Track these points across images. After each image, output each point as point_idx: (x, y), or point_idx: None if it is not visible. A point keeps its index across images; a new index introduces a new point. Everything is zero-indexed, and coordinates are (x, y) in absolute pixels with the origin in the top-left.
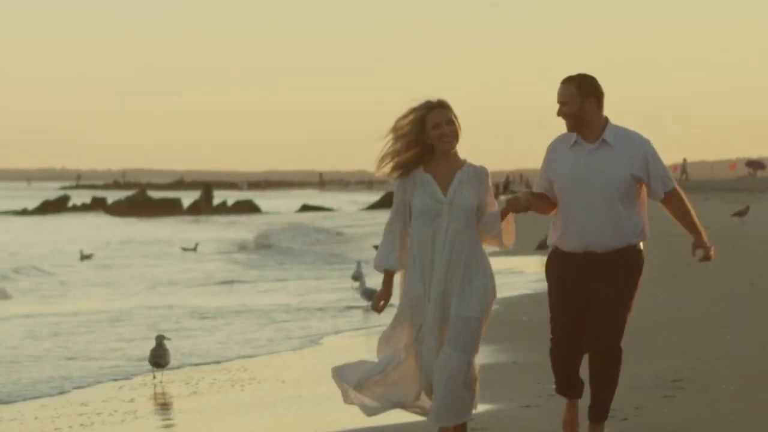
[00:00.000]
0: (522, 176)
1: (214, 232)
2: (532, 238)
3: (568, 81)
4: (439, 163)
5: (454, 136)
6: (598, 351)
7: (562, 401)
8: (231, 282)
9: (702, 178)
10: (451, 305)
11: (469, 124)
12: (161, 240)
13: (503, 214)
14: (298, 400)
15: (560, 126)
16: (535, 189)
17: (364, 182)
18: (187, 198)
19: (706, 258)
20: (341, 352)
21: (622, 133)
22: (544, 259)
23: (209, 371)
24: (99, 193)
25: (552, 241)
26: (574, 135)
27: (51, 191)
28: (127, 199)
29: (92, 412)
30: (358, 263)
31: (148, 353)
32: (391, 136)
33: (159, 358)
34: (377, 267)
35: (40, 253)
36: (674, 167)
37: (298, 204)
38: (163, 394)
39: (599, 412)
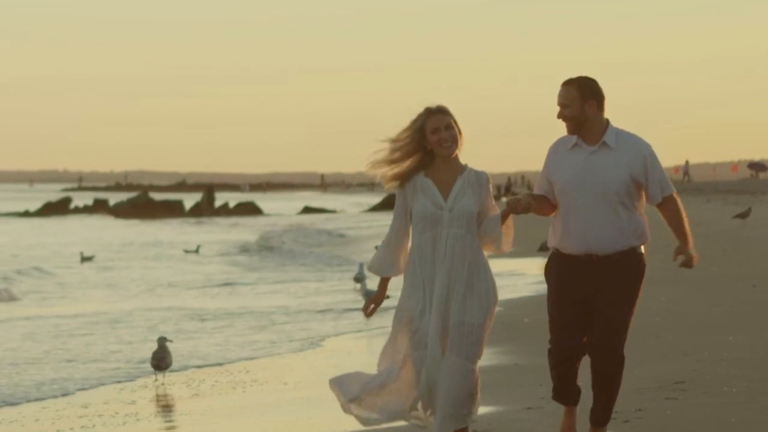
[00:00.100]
0: (524, 178)
1: (216, 234)
2: (534, 240)
3: (569, 83)
4: (439, 168)
5: (453, 141)
6: (601, 356)
7: (562, 407)
8: (233, 284)
9: (704, 180)
10: (452, 311)
11: (472, 126)
12: (163, 242)
13: (503, 217)
14: (301, 401)
15: (562, 128)
16: (536, 191)
17: (366, 184)
18: (189, 200)
19: (687, 265)
20: (343, 353)
21: (623, 135)
22: (546, 261)
23: (211, 373)
24: (101, 195)
25: (552, 243)
26: (575, 137)
27: (53, 193)
28: (129, 201)
29: (93, 414)
30: (361, 265)
31: (149, 355)
32: (389, 144)
33: (160, 361)
34: (371, 270)
35: (41, 255)
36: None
37: (300, 206)
38: (165, 396)
39: (601, 416)
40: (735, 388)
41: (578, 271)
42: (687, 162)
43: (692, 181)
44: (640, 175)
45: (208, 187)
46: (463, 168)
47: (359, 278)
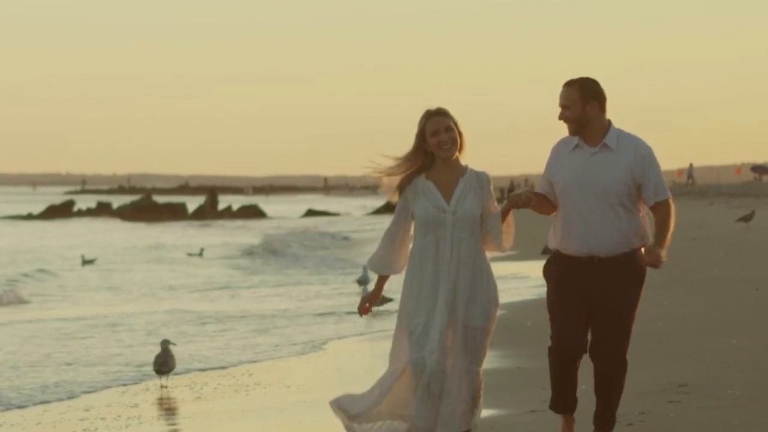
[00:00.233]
0: (527, 181)
1: (220, 237)
2: (537, 242)
3: (571, 84)
4: (440, 170)
5: (453, 143)
6: (604, 361)
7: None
8: (236, 287)
9: (707, 183)
10: (458, 314)
11: (475, 129)
12: (166, 245)
13: (504, 213)
14: (304, 405)
15: (565, 130)
16: (537, 191)
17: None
18: (192, 203)
19: (652, 264)
20: (346, 357)
21: (625, 137)
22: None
23: (213, 376)
24: (104, 198)
25: (553, 244)
26: (576, 138)
27: (56, 196)
28: (133, 203)
29: (96, 417)
30: (364, 268)
31: (150, 358)
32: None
33: (162, 365)
34: (371, 267)
35: (43, 257)
36: (679, 172)
37: (303, 209)
38: (168, 399)
39: (606, 420)
40: (738, 391)
41: (579, 271)
42: (691, 165)
43: (696, 184)
44: (639, 176)
45: (211, 190)
46: (464, 169)
47: (362, 281)
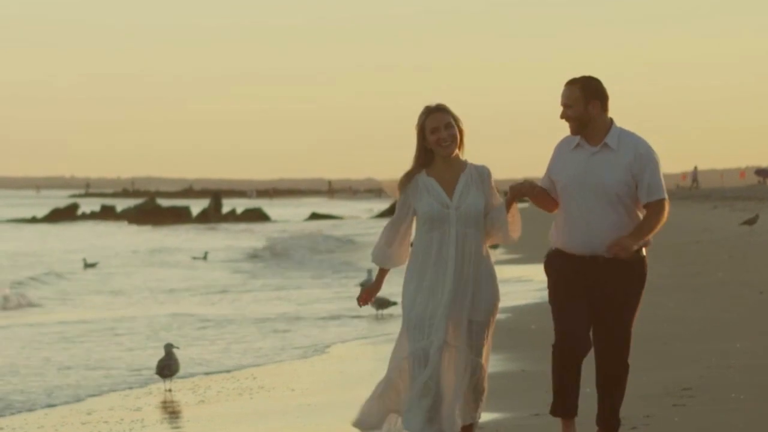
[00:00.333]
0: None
1: (224, 241)
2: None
3: (572, 83)
4: (441, 166)
5: (453, 140)
6: (607, 362)
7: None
8: (240, 291)
9: (711, 187)
10: (462, 309)
11: (476, 129)
12: (171, 248)
13: (508, 204)
14: (308, 408)
15: (567, 130)
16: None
17: (374, 190)
18: (196, 206)
19: (616, 253)
20: (350, 360)
21: (626, 137)
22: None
23: (217, 380)
24: (108, 201)
25: (555, 242)
26: (578, 137)
27: (60, 199)
28: (137, 207)
29: (98, 420)
30: (369, 271)
31: (153, 362)
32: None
33: (164, 368)
34: (373, 260)
35: (45, 261)
36: (683, 176)
37: (307, 212)
38: (171, 402)
39: (610, 420)
40: (743, 394)
41: (582, 270)
42: (695, 168)
43: (700, 188)
44: (637, 175)
45: (215, 194)
46: (464, 164)
47: (366, 285)
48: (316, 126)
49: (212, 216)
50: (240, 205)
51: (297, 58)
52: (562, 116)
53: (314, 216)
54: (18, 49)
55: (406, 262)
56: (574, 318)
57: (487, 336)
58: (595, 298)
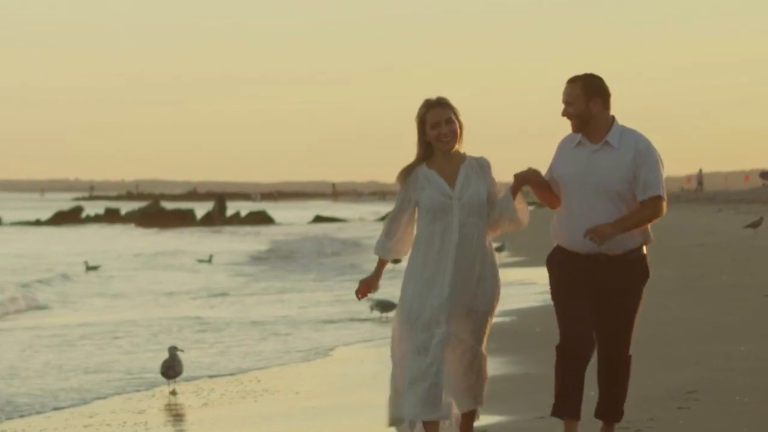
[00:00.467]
0: None
1: (228, 244)
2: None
3: (574, 81)
4: (441, 159)
5: (453, 135)
6: (611, 360)
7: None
8: (245, 294)
9: (716, 189)
10: (465, 299)
11: (476, 129)
12: (175, 251)
13: (513, 191)
14: (312, 411)
15: (568, 128)
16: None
17: (378, 193)
18: (201, 209)
19: (593, 236)
20: (354, 363)
21: (627, 134)
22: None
23: (221, 383)
24: (112, 204)
25: (557, 240)
26: (579, 135)
27: (64, 202)
28: (141, 210)
29: (101, 423)
30: None
31: (155, 364)
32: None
33: (168, 369)
34: (375, 252)
35: (50, 263)
36: (688, 178)
37: (312, 215)
38: (175, 405)
39: (613, 411)
40: (747, 397)
41: (584, 267)
42: (700, 170)
43: (704, 191)
44: (637, 172)
45: (220, 196)
46: (463, 157)
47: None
48: (319, 128)
49: (217, 219)
50: (244, 207)
51: (298, 59)
52: (564, 114)
53: (319, 219)
54: (18, 49)
55: (408, 254)
56: (578, 319)
57: (489, 323)
58: (598, 294)
